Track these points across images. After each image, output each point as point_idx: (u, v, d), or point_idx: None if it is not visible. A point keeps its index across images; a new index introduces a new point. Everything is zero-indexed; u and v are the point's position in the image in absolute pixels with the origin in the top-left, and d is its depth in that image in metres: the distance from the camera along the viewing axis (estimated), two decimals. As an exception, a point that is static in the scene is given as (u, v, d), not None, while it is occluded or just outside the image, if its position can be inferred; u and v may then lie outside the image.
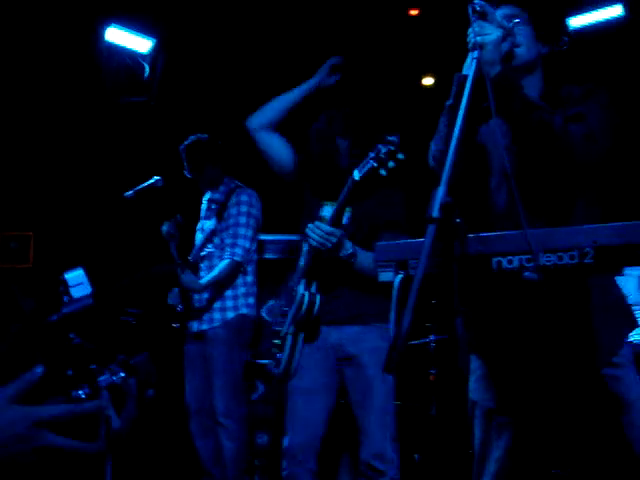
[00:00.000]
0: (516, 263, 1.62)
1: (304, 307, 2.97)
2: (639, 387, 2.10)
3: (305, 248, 3.05)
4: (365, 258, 2.94)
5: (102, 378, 3.21)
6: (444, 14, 4.94)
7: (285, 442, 3.06)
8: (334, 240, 2.89)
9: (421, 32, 5.26)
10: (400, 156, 2.87)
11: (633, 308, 4.37)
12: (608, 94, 2.15)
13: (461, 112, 1.69)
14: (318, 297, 3.00)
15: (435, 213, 1.51)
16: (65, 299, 3.43)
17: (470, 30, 1.96)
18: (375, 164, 2.90)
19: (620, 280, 4.64)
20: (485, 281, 1.80)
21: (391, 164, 2.89)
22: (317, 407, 3.04)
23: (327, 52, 3.49)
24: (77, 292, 3.55)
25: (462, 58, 2.09)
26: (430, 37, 5.23)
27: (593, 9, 5.51)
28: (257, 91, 3.75)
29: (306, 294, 2.99)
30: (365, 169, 2.92)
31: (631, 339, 4.14)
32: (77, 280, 3.50)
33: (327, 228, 2.91)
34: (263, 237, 4.64)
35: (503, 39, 2.02)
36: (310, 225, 2.94)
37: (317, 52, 3.66)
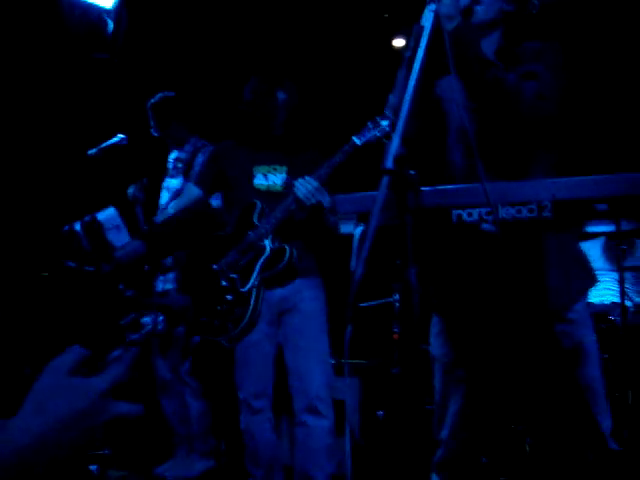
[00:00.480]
0: (475, 216, 1.63)
1: (284, 261, 3.02)
2: (593, 341, 2.15)
3: (282, 204, 3.06)
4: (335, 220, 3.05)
5: (145, 319, 3.21)
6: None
7: (240, 394, 3.15)
8: (320, 197, 2.95)
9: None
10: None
11: (597, 273, 4.46)
12: (560, 52, 2.15)
13: (416, 64, 1.68)
14: (290, 249, 3.05)
15: (388, 164, 1.51)
16: (115, 245, 3.39)
17: None
18: (379, 134, 2.95)
19: (585, 246, 4.72)
20: (444, 234, 1.81)
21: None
22: (266, 358, 3.15)
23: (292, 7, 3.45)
24: (114, 235, 3.51)
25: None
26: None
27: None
28: (222, 48, 3.71)
29: (287, 247, 3.04)
30: (367, 137, 2.97)
31: (592, 300, 4.23)
32: (112, 222, 3.46)
33: (317, 184, 2.95)
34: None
35: None
36: (300, 180, 2.97)
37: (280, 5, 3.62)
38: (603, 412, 2.09)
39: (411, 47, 2.04)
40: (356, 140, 2.96)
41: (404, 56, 2.10)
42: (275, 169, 3.25)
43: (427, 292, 2.18)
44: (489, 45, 2.21)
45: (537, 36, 2.26)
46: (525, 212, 1.64)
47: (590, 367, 2.10)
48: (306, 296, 3.16)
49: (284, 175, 3.24)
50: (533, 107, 2.03)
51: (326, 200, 2.95)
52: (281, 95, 3.24)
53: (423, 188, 1.62)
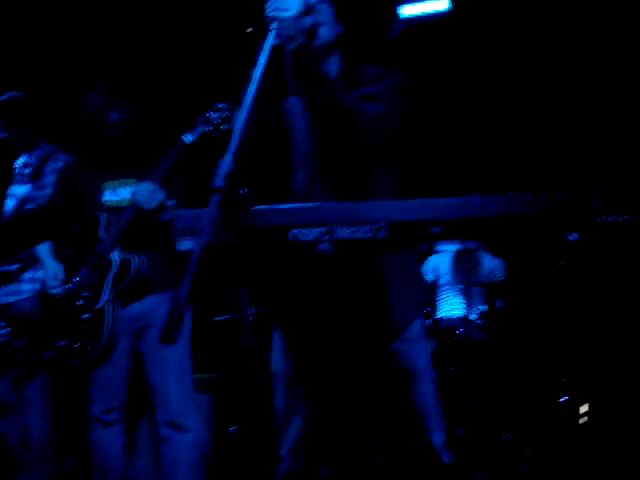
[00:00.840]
0: (312, 236, 1.64)
1: (131, 272, 2.95)
2: (427, 359, 2.22)
3: (123, 214, 3.00)
4: None
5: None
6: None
7: (92, 410, 3.07)
8: (160, 198, 2.91)
9: None
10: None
11: (444, 287, 4.64)
12: (400, 76, 2.22)
13: (253, 84, 1.69)
14: (138, 259, 2.98)
15: (218, 182, 1.50)
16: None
17: (269, 2, 1.96)
18: (208, 129, 2.94)
19: (436, 259, 4.88)
20: (281, 253, 1.81)
21: (224, 127, 2.92)
22: (121, 373, 3.06)
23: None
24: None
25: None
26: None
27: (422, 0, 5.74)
28: (75, 50, 3.59)
29: (132, 257, 2.97)
30: (197, 133, 2.96)
31: (441, 314, 4.39)
32: None
33: (152, 186, 2.92)
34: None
35: (305, 14, 2.04)
36: (136, 186, 2.95)
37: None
38: (436, 427, 2.17)
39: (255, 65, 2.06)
40: (184, 139, 2.95)
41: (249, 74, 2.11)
42: (125, 182, 3.16)
43: (268, 309, 2.19)
44: (331, 67, 2.24)
45: (379, 60, 2.32)
46: (362, 232, 1.67)
47: (424, 384, 2.17)
48: (162, 313, 3.06)
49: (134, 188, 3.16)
50: (372, 128, 2.07)
51: (166, 201, 2.93)
52: (117, 113, 3.16)
53: (259, 207, 1.62)
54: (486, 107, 5.34)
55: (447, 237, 1.78)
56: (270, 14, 1.94)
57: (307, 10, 2.06)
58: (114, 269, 2.96)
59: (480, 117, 5.35)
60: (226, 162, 1.51)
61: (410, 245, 2.03)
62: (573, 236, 1.75)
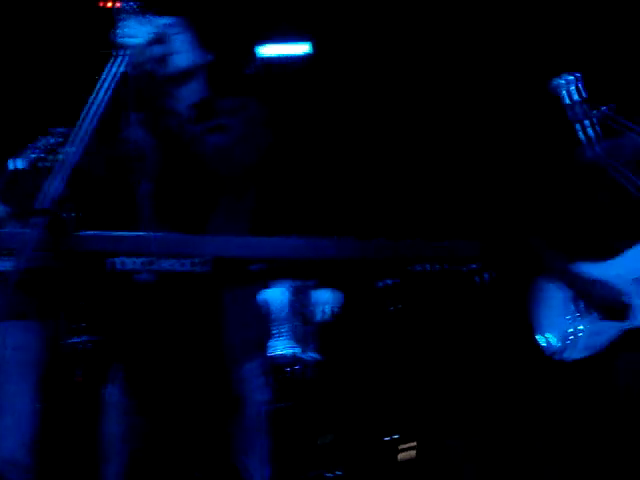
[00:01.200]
0: (131, 265, 1.65)
1: None
2: (260, 395, 2.24)
3: None
4: None
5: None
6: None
7: None
8: None
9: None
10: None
11: (278, 323, 4.66)
12: (258, 110, 2.25)
13: (94, 108, 1.69)
14: None
15: (43, 204, 1.48)
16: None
17: (118, 29, 1.95)
18: (37, 154, 2.81)
19: (271, 294, 4.90)
20: (104, 280, 1.80)
21: (56, 154, 2.83)
22: None
23: None
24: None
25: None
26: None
27: (283, 42, 5.89)
28: None
29: None
30: (26, 160, 2.82)
31: (279, 352, 4.43)
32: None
33: None
34: None
35: (155, 43, 2.04)
36: None
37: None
38: (260, 462, 2.18)
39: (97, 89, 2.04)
40: (10, 164, 2.84)
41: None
42: None
43: (99, 337, 2.14)
44: (187, 96, 2.24)
45: (239, 93, 2.36)
46: (183, 265, 1.69)
47: (253, 420, 2.18)
48: (9, 343, 2.87)
49: None
50: (215, 159, 2.07)
51: None
52: None
53: (84, 232, 1.61)
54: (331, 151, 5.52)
55: (273, 276, 1.83)
56: (118, 40, 1.92)
57: (158, 39, 2.06)
58: None
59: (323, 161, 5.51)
60: (53, 185, 1.50)
61: (243, 281, 2.05)
62: (387, 282, 1.86)
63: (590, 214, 2.78)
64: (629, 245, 2.75)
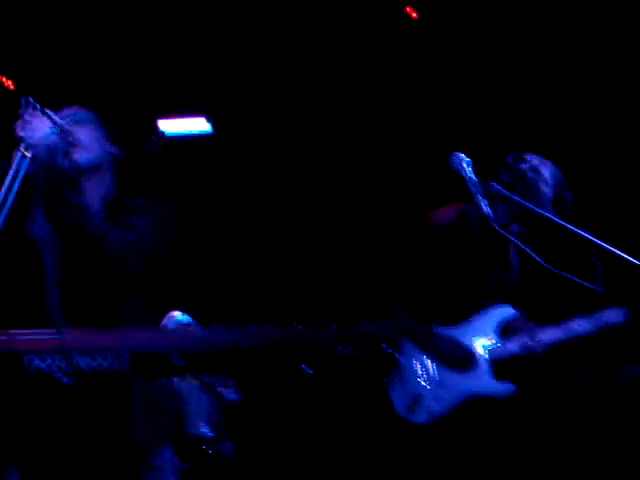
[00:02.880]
0: (47, 365, 1.60)
1: None
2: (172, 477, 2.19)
3: None
4: None
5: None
6: None
7: None
8: None
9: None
10: None
11: (190, 406, 4.55)
12: (167, 211, 2.24)
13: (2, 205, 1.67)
14: None
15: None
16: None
17: (18, 125, 1.92)
18: None
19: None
20: (15, 380, 1.73)
21: None
22: None
23: None
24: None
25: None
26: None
27: (182, 116, 5.92)
28: None
29: None
30: None
31: (194, 434, 4.32)
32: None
33: None
34: None
35: (59, 137, 2.01)
36: None
37: None
38: None
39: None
40: None
41: None
42: None
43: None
44: (96, 188, 2.21)
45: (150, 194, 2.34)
46: (104, 362, 1.65)
47: None
48: None
49: None
50: (124, 257, 2.04)
51: None
52: None
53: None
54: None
55: (191, 369, 1.79)
56: (19, 135, 1.89)
57: (61, 132, 2.03)
58: None
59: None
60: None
61: (156, 375, 2.00)
62: (309, 370, 1.86)
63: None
64: (475, 309, 2.91)
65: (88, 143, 2.17)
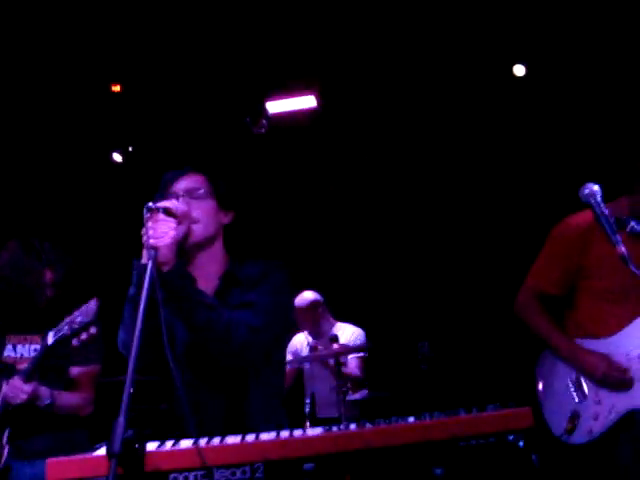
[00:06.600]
0: None
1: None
2: None
3: None
4: (67, 399, 3.09)
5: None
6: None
7: None
8: (25, 396, 2.90)
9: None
10: (93, 330, 2.84)
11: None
12: (281, 275, 2.24)
13: (142, 304, 1.72)
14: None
15: (116, 448, 1.48)
16: None
17: (144, 231, 1.95)
18: (68, 333, 2.85)
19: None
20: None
21: (84, 336, 2.85)
22: None
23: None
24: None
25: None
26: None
27: (289, 96, 5.87)
28: None
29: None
30: (59, 334, 2.87)
31: None
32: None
33: (20, 383, 2.90)
34: None
35: (179, 223, 2.05)
36: (6, 384, 2.93)
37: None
38: None
39: (134, 284, 2.05)
40: (48, 339, 2.88)
41: (128, 294, 2.08)
42: (26, 339, 3.12)
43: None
44: (212, 261, 2.27)
45: (259, 253, 2.34)
46: (239, 474, 1.68)
47: None
48: None
49: (36, 346, 3.10)
50: (247, 338, 2.07)
51: (42, 396, 2.95)
52: (48, 274, 3.10)
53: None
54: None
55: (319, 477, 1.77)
56: (148, 242, 1.93)
57: (182, 221, 2.08)
58: None
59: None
60: (120, 424, 1.50)
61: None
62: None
63: None
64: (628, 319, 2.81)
65: (205, 218, 2.20)
